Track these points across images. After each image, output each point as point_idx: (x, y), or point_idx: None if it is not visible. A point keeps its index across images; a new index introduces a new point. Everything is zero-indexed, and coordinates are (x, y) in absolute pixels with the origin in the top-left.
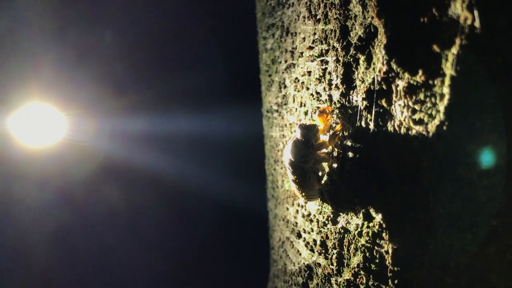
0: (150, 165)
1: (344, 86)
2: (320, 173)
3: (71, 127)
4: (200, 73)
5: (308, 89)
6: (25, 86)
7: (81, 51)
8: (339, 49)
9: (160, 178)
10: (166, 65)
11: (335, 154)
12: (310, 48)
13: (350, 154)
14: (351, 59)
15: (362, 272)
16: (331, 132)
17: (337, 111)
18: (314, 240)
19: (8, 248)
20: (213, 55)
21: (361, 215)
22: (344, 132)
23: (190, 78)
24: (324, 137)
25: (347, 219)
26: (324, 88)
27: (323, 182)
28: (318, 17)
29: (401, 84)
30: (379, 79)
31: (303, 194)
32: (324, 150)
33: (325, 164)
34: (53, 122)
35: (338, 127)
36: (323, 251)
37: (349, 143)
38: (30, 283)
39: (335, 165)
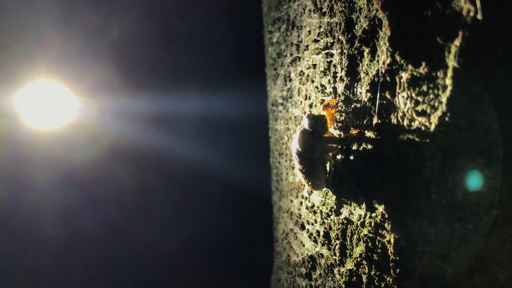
0: (158, 146)
1: (349, 79)
2: (327, 163)
3: (79, 107)
4: (207, 65)
5: (313, 82)
6: (32, 65)
7: (89, 30)
8: (344, 42)
9: (168, 158)
10: (174, 46)
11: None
12: (316, 41)
13: (355, 145)
14: (356, 52)
15: (364, 262)
16: (342, 136)
17: (342, 104)
18: (318, 231)
19: (17, 229)
20: (220, 48)
21: (364, 205)
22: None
23: (199, 58)
24: (331, 130)
25: (350, 210)
26: (329, 81)
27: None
28: (323, 10)
29: (404, 76)
30: (383, 71)
31: (310, 183)
32: (332, 144)
33: (331, 154)
34: (61, 101)
35: (355, 132)
36: (326, 242)
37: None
38: (38, 261)
39: (340, 156)
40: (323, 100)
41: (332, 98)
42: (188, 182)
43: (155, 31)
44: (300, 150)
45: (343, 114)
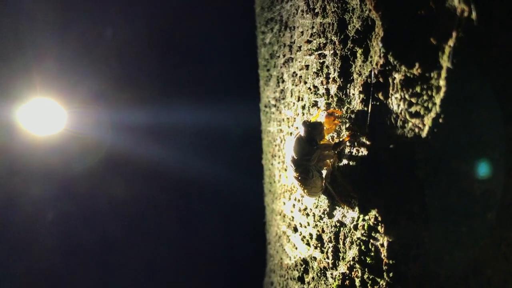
0: (152, 158)
1: (341, 80)
2: (323, 171)
3: (74, 119)
4: (200, 67)
5: (305, 83)
6: (28, 81)
7: (84, 44)
8: (336, 43)
9: (161, 170)
10: (167, 59)
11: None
12: (308, 42)
13: (348, 148)
14: (349, 53)
15: (357, 265)
16: (338, 139)
17: (346, 120)
18: (310, 234)
19: (10, 239)
20: (213, 49)
21: (357, 208)
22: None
23: (191, 71)
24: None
25: (343, 213)
26: (322, 82)
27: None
28: (316, 10)
29: (397, 77)
30: (376, 72)
31: (305, 191)
32: (329, 151)
33: (329, 161)
34: (56, 115)
35: (346, 138)
36: (319, 244)
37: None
38: (32, 274)
39: (338, 163)
40: (316, 102)
41: (336, 108)
42: (183, 192)
43: (151, 41)
44: (295, 158)
45: (346, 122)
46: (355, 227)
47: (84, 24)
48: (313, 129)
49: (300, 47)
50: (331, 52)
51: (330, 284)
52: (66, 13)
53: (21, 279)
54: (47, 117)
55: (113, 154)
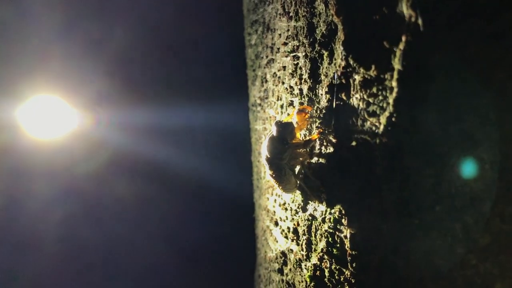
0: (157, 158)
1: (311, 80)
2: (296, 168)
3: (80, 119)
4: (204, 67)
5: (283, 83)
6: (33, 79)
7: (89, 44)
8: (307, 45)
9: (167, 171)
10: (171, 59)
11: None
12: (285, 44)
13: (317, 146)
14: (317, 55)
15: (326, 257)
16: (307, 137)
17: (316, 115)
18: (288, 228)
19: (16, 240)
20: (207, 50)
21: (325, 202)
22: (322, 141)
23: (196, 71)
24: (301, 134)
25: (314, 207)
26: (296, 82)
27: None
28: (290, 14)
29: (357, 78)
30: (339, 73)
31: (281, 187)
32: (300, 149)
33: (301, 159)
34: (62, 113)
35: (315, 135)
36: (295, 237)
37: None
38: (38, 274)
39: (309, 161)
40: (292, 102)
41: (308, 105)
42: (186, 193)
43: (154, 43)
44: (269, 156)
45: (316, 130)
46: (323, 220)
47: (90, 25)
48: (284, 129)
49: (278, 49)
50: (303, 54)
51: (304, 275)
52: (71, 14)
53: (26, 280)
54: (54, 117)
55: (118, 155)
